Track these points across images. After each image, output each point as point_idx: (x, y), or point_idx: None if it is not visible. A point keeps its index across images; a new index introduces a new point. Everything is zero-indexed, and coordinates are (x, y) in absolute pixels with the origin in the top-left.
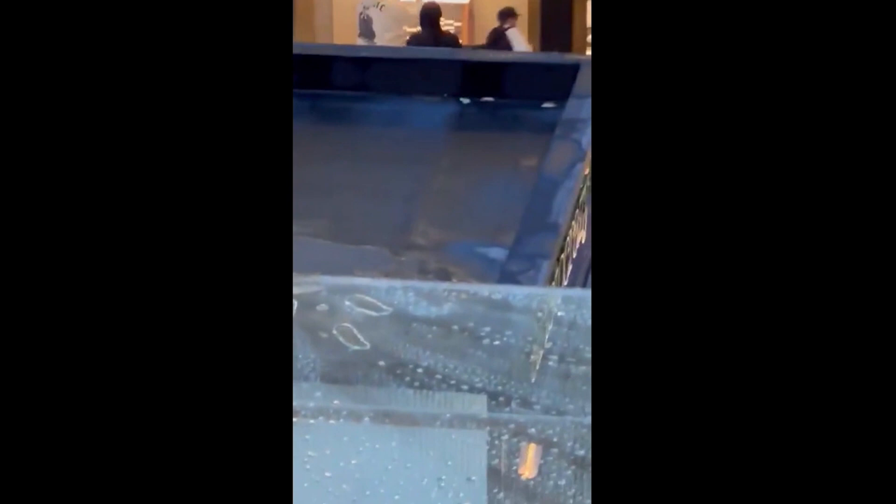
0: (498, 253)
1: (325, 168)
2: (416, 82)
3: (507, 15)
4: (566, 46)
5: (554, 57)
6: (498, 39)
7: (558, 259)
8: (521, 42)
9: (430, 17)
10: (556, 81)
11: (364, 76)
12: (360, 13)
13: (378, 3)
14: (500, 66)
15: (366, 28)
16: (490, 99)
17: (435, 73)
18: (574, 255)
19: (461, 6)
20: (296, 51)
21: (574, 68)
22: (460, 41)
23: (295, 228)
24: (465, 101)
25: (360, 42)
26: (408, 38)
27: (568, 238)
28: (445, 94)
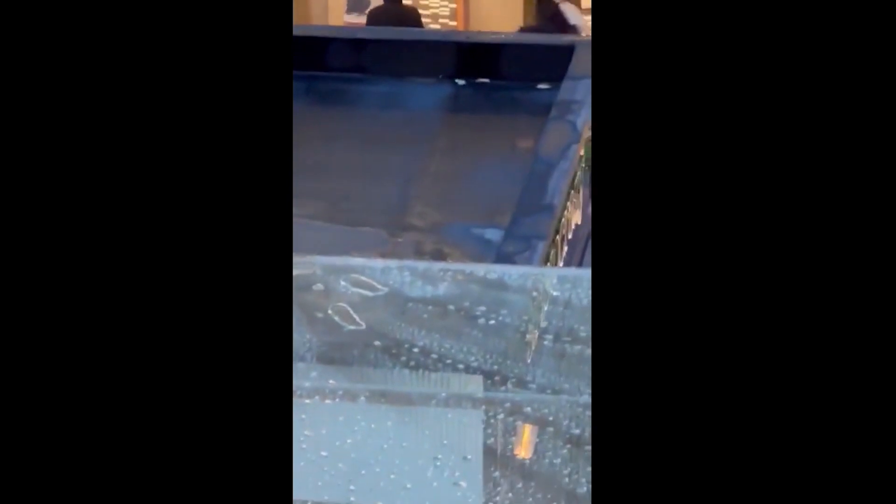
0: (494, 234)
1: (321, 150)
2: (412, 64)
3: None
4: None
5: (549, 38)
6: (553, 16)
7: (554, 240)
8: (576, 16)
9: None
10: (552, 62)
11: (360, 58)
12: None
13: None
14: (495, 47)
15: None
16: (486, 80)
17: (430, 54)
18: (570, 235)
19: None
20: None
21: (569, 49)
22: (421, 18)
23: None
24: (461, 82)
25: (349, 18)
26: (367, 12)
27: (563, 219)
28: (441, 76)
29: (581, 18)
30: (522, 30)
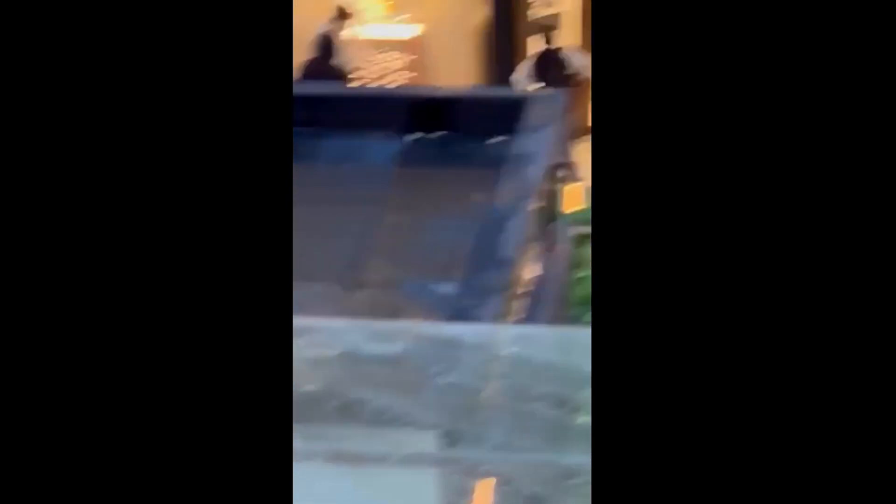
0: (449, 288)
1: None
2: (365, 118)
3: (548, 30)
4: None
5: (501, 91)
6: (548, 65)
7: (510, 293)
8: (578, 57)
9: (326, 45)
10: (505, 115)
11: (313, 112)
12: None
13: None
14: (447, 100)
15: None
16: (439, 133)
17: (383, 108)
18: (525, 290)
19: (414, 39)
20: None
21: (520, 102)
22: (349, 75)
23: None
24: (414, 136)
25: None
26: (302, 65)
27: (519, 272)
28: (393, 130)
29: (584, 59)
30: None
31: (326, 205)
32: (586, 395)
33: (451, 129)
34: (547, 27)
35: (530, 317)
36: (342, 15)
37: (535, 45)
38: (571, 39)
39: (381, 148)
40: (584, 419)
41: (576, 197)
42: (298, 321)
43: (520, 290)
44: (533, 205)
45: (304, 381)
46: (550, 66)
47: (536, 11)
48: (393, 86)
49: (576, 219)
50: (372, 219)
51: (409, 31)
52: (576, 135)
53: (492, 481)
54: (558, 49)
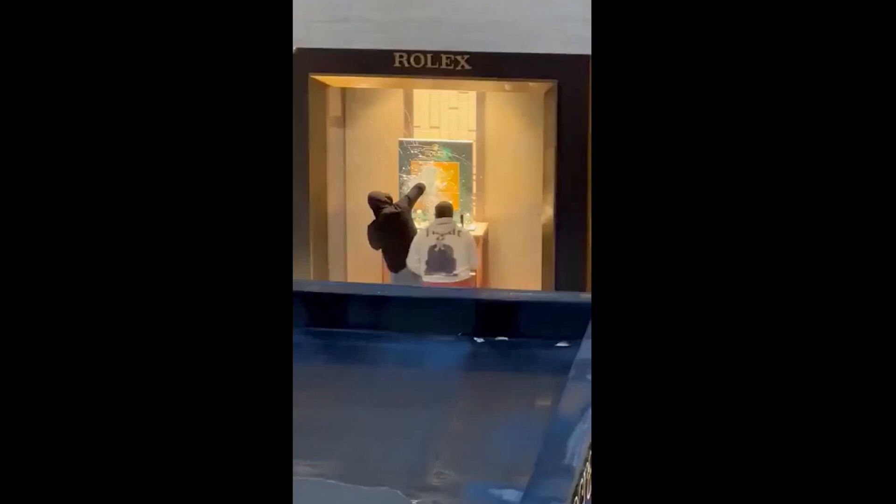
0: (512, 495)
1: (339, 408)
2: (431, 321)
3: None
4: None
5: (567, 296)
6: None
7: (572, 502)
8: None
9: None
10: (571, 320)
11: (379, 315)
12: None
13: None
14: (513, 305)
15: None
16: (504, 338)
17: (449, 311)
18: (588, 496)
19: (475, 238)
20: (310, 289)
21: (587, 308)
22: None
23: (307, 469)
24: (479, 340)
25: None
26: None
27: (582, 480)
28: (460, 333)
29: None
30: None
31: (391, 408)
32: None
33: (516, 333)
34: None
35: None
36: (420, 189)
37: None
38: None
39: (447, 350)
40: None
41: None
42: None
43: (583, 497)
44: None
45: None
46: None
47: None
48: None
49: None
50: (437, 423)
51: (472, 228)
52: None
53: None
54: None
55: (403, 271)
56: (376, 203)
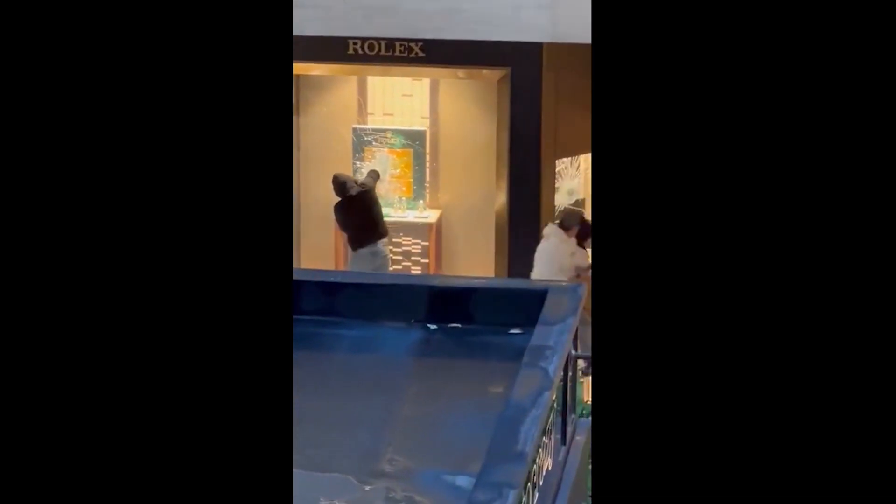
0: (465, 481)
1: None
2: (385, 308)
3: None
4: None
5: (520, 283)
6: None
7: (525, 487)
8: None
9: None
10: (523, 307)
11: (331, 301)
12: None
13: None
14: (466, 291)
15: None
16: (457, 325)
17: (402, 298)
18: (541, 482)
19: (428, 225)
20: None
21: (541, 294)
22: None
23: None
24: (432, 326)
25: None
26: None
27: (535, 466)
28: (413, 320)
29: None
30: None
31: (344, 395)
32: None
33: (469, 320)
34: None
35: None
36: (375, 176)
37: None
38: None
39: (399, 337)
40: None
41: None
42: None
43: (536, 483)
44: (551, 397)
45: None
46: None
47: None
48: (411, 273)
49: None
50: (390, 410)
51: (426, 215)
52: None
53: None
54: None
55: (362, 249)
56: (342, 184)
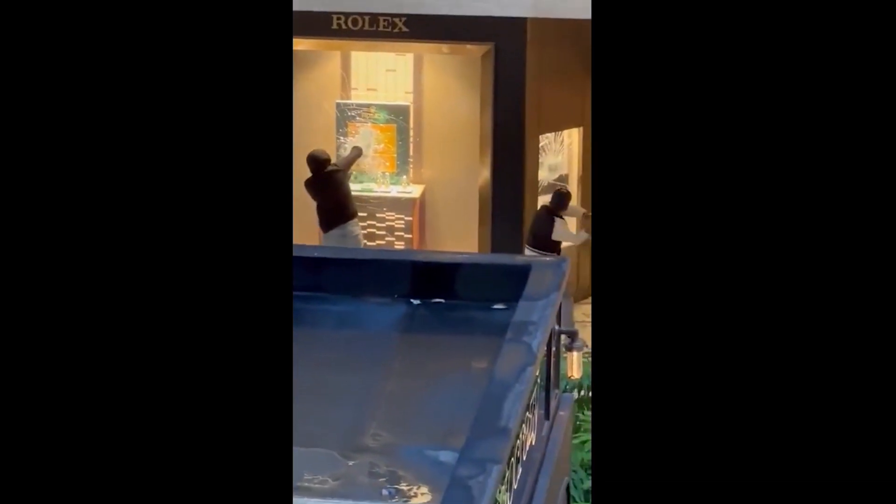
0: (448, 456)
1: None
2: (368, 283)
3: (560, 199)
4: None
5: (504, 258)
6: (543, 224)
7: (508, 462)
8: (566, 235)
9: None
10: (507, 283)
11: (315, 277)
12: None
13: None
14: (450, 266)
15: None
16: (440, 300)
17: (385, 273)
18: (524, 457)
19: (412, 200)
20: None
21: (525, 270)
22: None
23: None
24: (416, 301)
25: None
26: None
27: (518, 441)
28: (396, 295)
29: (571, 236)
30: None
31: (328, 370)
32: None
33: (453, 295)
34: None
35: (529, 484)
36: (358, 152)
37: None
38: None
39: (383, 312)
40: None
41: (577, 364)
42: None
43: (519, 458)
44: (534, 373)
45: None
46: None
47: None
48: (395, 248)
49: (577, 385)
50: (373, 385)
51: (409, 191)
52: (577, 300)
53: None
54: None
55: (333, 231)
56: (316, 161)
